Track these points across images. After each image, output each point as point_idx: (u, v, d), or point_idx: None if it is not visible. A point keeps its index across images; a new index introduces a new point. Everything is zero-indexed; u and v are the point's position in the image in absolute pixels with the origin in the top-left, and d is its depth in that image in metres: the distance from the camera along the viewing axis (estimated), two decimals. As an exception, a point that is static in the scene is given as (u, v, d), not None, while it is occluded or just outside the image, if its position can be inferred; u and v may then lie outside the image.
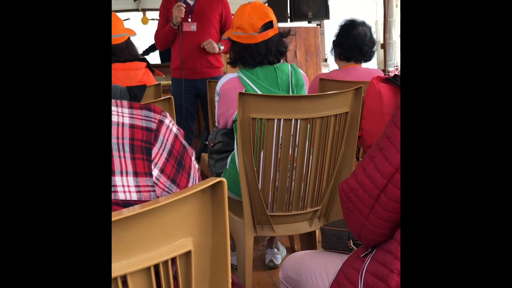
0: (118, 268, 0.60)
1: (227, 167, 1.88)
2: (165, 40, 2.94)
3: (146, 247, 0.61)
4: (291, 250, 2.20)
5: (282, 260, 2.06)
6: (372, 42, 2.19)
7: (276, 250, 2.06)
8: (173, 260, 0.64)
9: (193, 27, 2.88)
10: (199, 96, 3.02)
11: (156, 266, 0.63)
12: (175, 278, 0.65)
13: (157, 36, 2.97)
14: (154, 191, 0.68)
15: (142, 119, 0.69)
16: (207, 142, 3.22)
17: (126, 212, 0.59)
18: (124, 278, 0.60)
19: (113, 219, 0.57)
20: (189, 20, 2.88)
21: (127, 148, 0.66)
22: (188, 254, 0.65)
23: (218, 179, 0.64)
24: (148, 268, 0.62)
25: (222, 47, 2.92)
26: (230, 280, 0.68)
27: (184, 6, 2.80)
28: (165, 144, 0.70)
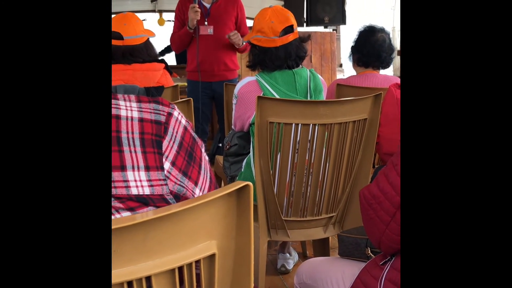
0: (143, 269, 0.60)
1: (242, 170, 1.88)
2: (181, 43, 2.94)
3: (171, 249, 0.61)
4: (303, 255, 2.19)
5: (294, 265, 2.06)
6: (391, 49, 2.18)
7: (288, 255, 2.06)
8: (197, 262, 0.64)
9: (210, 30, 2.88)
10: (215, 98, 3.02)
11: (180, 268, 0.63)
12: (198, 280, 0.65)
13: (173, 39, 2.97)
14: (166, 184, 0.67)
15: (150, 112, 0.68)
16: (220, 145, 3.22)
17: (151, 214, 0.59)
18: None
19: (139, 221, 0.57)
20: (206, 23, 2.88)
21: (137, 142, 0.66)
22: (212, 257, 0.65)
23: (245, 183, 0.64)
24: (173, 270, 0.62)
25: (244, 43, 2.92)
26: (252, 285, 0.68)
27: (199, 7, 2.80)
28: (175, 136, 0.69)
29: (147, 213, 0.61)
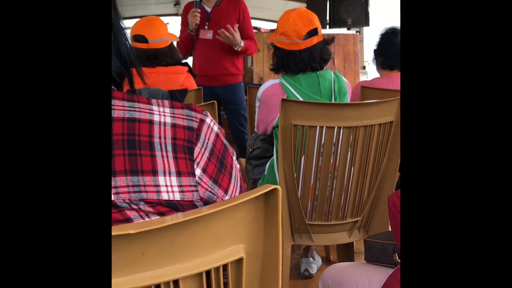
0: (170, 272, 0.59)
1: (265, 173, 1.87)
2: (184, 47, 2.90)
3: (199, 252, 0.61)
4: (326, 260, 2.16)
5: (317, 270, 2.04)
6: (416, 50, 2.14)
7: (311, 259, 2.04)
8: (224, 266, 0.63)
9: (209, 34, 2.84)
10: (221, 102, 2.98)
11: (207, 273, 0.62)
12: (225, 284, 0.64)
13: (178, 44, 2.90)
14: (197, 191, 0.67)
15: (183, 118, 0.68)
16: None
17: (180, 217, 0.59)
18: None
19: (167, 223, 0.56)
20: (206, 27, 2.85)
21: (169, 148, 0.65)
22: (239, 261, 0.64)
23: (273, 186, 0.63)
24: (200, 274, 0.61)
25: (242, 45, 2.85)
26: (280, 290, 0.67)
27: (199, 11, 2.77)
28: (207, 143, 0.69)
29: (175, 216, 0.60)
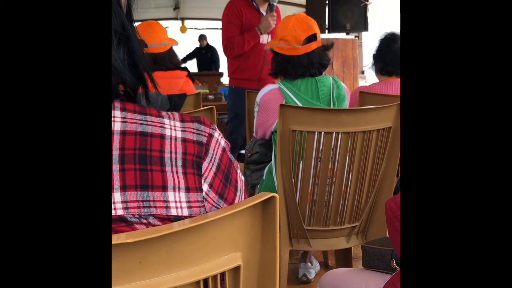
0: (168, 280, 0.59)
1: (264, 178, 1.87)
2: (243, 49, 2.78)
3: (196, 260, 0.61)
4: (324, 265, 2.16)
5: (315, 275, 2.03)
6: (415, 55, 2.15)
7: (309, 264, 2.04)
8: (221, 274, 0.64)
9: (268, 39, 2.82)
10: None
11: (204, 281, 0.62)
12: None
13: (235, 43, 2.78)
14: (203, 206, 0.67)
15: (193, 132, 0.68)
16: (242, 151, 3.22)
17: (177, 226, 0.59)
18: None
19: (165, 232, 0.57)
20: None
21: (179, 163, 0.65)
22: (237, 269, 0.64)
23: (270, 194, 0.63)
24: (198, 282, 0.61)
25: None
26: (277, 298, 0.67)
27: (260, 15, 2.79)
28: (215, 158, 0.69)
29: (173, 225, 0.61)
